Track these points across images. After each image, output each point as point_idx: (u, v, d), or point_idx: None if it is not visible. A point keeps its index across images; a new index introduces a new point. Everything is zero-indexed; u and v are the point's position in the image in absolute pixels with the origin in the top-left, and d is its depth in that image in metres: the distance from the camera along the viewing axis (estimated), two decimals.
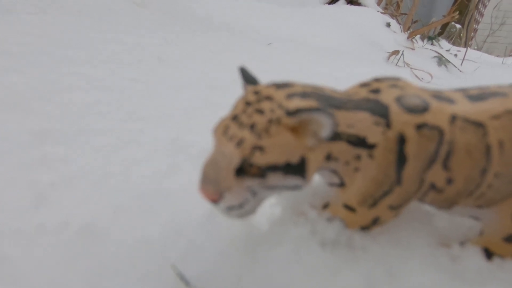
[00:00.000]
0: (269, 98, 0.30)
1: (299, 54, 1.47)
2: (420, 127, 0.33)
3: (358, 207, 0.35)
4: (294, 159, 0.29)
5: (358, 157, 0.33)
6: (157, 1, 1.69)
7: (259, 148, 0.28)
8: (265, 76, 1.03)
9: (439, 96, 0.35)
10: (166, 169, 0.44)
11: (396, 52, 2.20)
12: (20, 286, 0.28)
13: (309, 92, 0.31)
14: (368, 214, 0.35)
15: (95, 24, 1.10)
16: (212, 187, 0.29)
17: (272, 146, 0.29)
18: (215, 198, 0.29)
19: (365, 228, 0.36)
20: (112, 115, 0.59)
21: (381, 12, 3.29)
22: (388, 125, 0.32)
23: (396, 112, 0.33)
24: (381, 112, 0.33)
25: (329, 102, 0.31)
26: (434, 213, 0.43)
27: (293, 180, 0.30)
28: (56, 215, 0.35)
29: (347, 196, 0.35)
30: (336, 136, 0.32)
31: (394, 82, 0.35)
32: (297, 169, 0.30)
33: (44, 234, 0.33)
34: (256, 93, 0.31)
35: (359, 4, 3.32)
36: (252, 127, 0.29)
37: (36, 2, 1.13)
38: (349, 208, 0.35)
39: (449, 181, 0.34)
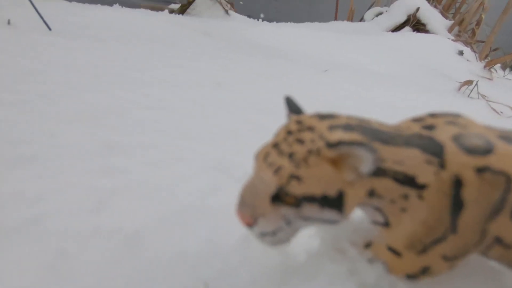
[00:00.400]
0: (310, 128, 0.30)
1: (356, 82, 1.44)
2: (481, 170, 0.29)
3: (405, 252, 0.32)
4: (332, 192, 0.28)
5: (405, 197, 0.30)
6: (221, 31, 1.83)
7: (296, 178, 0.28)
8: (319, 103, 1.03)
9: (508, 137, 0.31)
10: (210, 188, 0.46)
11: (469, 82, 2.01)
12: (71, 278, 0.31)
13: (353, 125, 0.30)
14: (417, 261, 0.31)
15: (166, 51, 1.24)
16: (248, 211, 0.29)
17: (310, 176, 0.28)
18: (250, 222, 0.29)
19: (412, 276, 0.32)
20: (168, 132, 0.64)
21: (453, 40, 3.07)
22: (442, 165, 0.29)
23: (452, 152, 0.30)
24: (435, 151, 0.30)
25: (375, 135, 0.30)
26: (503, 272, 0.37)
27: (329, 214, 0.29)
28: (111, 220, 0.38)
29: (392, 238, 0.32)
30: (381, 172, 0.30)
31: (453, 119, 0.32)
32: (334, 202, 0.29)
33: (99, 237, 0.36)
34: (299, 122, 0.31)
35: (426, 31, 3.15)
36: (291, 156, 0.29)
37: (122, 33, 1.32)
38: (394, 251, 0.32)
39: None
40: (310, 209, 0.28)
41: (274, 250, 0.35)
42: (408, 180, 0.30)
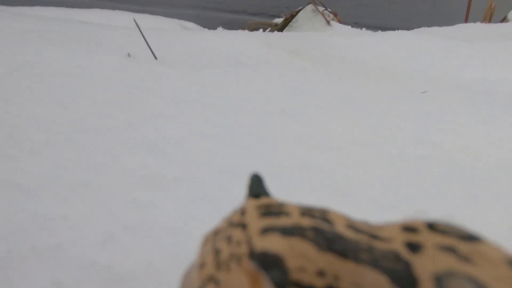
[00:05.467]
0: (244, 225, 0.26)
1: (469, 109, 1.13)
2: None
3: None
4: None
5: None
6: (310, 47, 1.79)
7: (214, 281, 0.25)
8: (401, 147, 0.87)
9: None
10: None
11: None
12: None
13: (301, 227, 0.24)
14: None
15: (252, 76, 1.30)
16: None
17: (227, 284, 0.24)
18: None
19: None
20: (216, 166, 0.67)
21: None
22: None
23: None
24: (405, 285, 0.21)
25: (329, 244, 0.23)
26: None
27: None
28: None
29: None
30: None
31: (457, 243, 0.22)
32: None
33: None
34: (242, 213, 0.27)
35: None
36: (217, 253, 0.25)
37: (215, 60, 1.46)
38: None
39: None
40: None
41: None
42: None
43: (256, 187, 0.29)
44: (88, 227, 0.47)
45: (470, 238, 0.22)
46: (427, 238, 0.23)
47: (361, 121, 1.00)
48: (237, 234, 0.25)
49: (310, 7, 3.14)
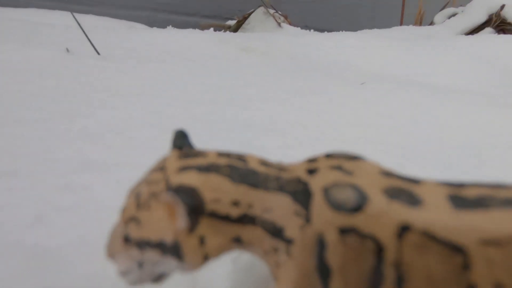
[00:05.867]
0: (163, 168, 0.27)
1: (401, 97, 1.27)
2: (345, 231, 0.22)
3: None
4: (168, 240, 0.25)
5: (276, 250, 0.25)
6: (261, 45, 1.85)
7: (135, 220, 0.26)
8: (344, 128, 0.94)
9: (397, 191, 0.23)
10: None
11: None
12: None
13: (216, 165, 0.26)
14: None
15: (199, 69, 1.31)
16: (107, 248, 0.28)
17: (147, 221, 0.26)
18: (109, 258, 0.28)
19: None
20: (160, 150, 0.66)
21: None
22: (308, 219, 0.23)
23: (319, 205, 0.23)
24: (304, 201, 0.24)
25: (243, 177, 0.26)
26: None
27: (171, 262, 0.26)
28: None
29: None
30: (248, 219, 0.25)
31: (343, 162, 0.25)
32: (172, 250, 0.25)
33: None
34: (163, 160, 0.28)
35: None
36: (137, 196, 0.27)
37: (162, 55, 1.44)
38: None
39: None
40: (152, 255, 0.26)
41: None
42: (276, 232, 0.25)
43: (180, 141, 0.31)
44: (15, 212, 0.44)
45: (354, 158, 0.26)
46: (322, 163, 0.26)
47: (305, 108, 1.06)
48: (156, 176, 0.27)
49: (261, 9, 3.23)
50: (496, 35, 2.47)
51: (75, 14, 2.34)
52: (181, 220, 0.25)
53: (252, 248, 0.26)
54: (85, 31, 1.37)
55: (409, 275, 0.21)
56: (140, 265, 0.27)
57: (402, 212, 0.22)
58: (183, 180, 0.25)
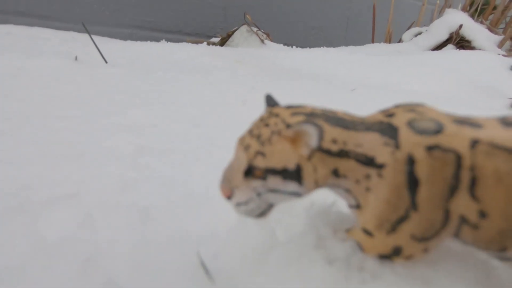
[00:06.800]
0: (276, 115, 0.35)
1: (385, 99, 1.43)
2: (431, 148, 0.32)
3: (376, 232, 0.34)
4: (291, 165, 0.33)
5: (368, 176, 0.34)
6: (252, 58, 1.97)
7: (261, 153, 0.34)
8: None
9: (462, 121, 0.33)
10: (216, 183, 0.53)
11: None
12: (94, 235, 0.39)
13: (316, 113, 0.35)
14: (387, 240, 0.34)
15: (204, 77, 1.39)
16: (226, 185, 0.35)
17: (272, 152, 0.33)
18: (228, 194, 0.35)
19: (384, 256, 0.35)
20: (193, 141, 0.73)
21: (504, 55, 2.88)
22: (397, 146, 0.33)
23: (405, 134, 0.33)
24: (391, 134, 0.33)
25: (337, 122, 0.35)
26: (496, 266, 0.36)
27: (291, 186, 0.34)
28: (129, 198, 0.47)
29: (364, 219, 0.35)
30: (344, 154, 0.34)
31: (413, 107, 0.36)
32: (294, 175, 0.33)
33: (118, 208, 0.44)
34: (269, 112, 0.37)
35: (472, 48, 3.00)
36: (258, 137, 0.34)
37: (165, 64, 1.51)
38: (367, 232, 0.35)
39: (482, 214, 0.31)
40: (274, 181, 0.33)
41: (262, 233, 0.40)
42: (368, 161, 0.33)
43: (271, 101, 0.39)
44: (104, 182, 0.49)
45: (420, 104, 0.36)
46: (396, 109, 0.36)
47: None
48: (273, 120, 0.35)
49: (245, 27, 3.39)
50: (457, 50, 2.80)
51: (57, 31, 2.35)
52: (305, 148, 0.33)
53: (345, 180, 0.34)
54: (80, 44, 1.41)
55: (481, 174, 0.30)
56: (259, 194, 0.34)
57: (471, 132, 0.32)
58: (299, 119, 0.33)
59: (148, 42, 2.35)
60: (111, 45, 1.65)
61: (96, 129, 0.71)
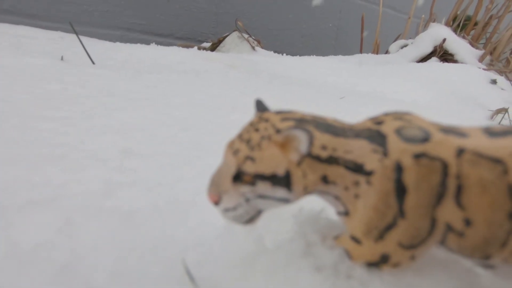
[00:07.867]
0: (266, 120, 0.35)
1: (373, 107, 1.46)
2: (418, 156, 0.32)
3: (364, 239, 0.34)
4: (280, 171, 0.33)
5: (357, 183, 0.34)
6: (244, 63, 1.98)
7: (250, 158, 0.33)
8: None
9: (448, 130, 0.34)
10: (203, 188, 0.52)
11: (502, 110, 1.93)
12: (75, 239, 0.37)
13: (306, 119, 0.35)
14: (375, 248, 0.34)
15: (193, 80, 1.38)
16: (214, 190, 0.34)
17: (261, 157, 0.33)
18: (216, 199, 0.34)
19: (372, 264, 0.35)
20: (182, 144, 0.72)
21: (484, 69, 2.99)
22: (385, 153, 0.33)
23: (393, 141, 0.33)
24: (380, 141, 0.34)
25: (327, 129, 0.35)
26: (480, 274, 0.37)
27: (280, 192, 0.33)
28: (113, 202, 0.45)
29: (352, 226, 0.35)
30: (333, 160, 0.34)
31: (401, 115, 0.36)
32: (283, 181, 0.33)
33: (100, 212, 0.43)
34: (260, 117, 0.37)
35: (455, 61, 3.11)
36: (248, 141, 0.34)
37: (155, 66, 1.49)
38: (355, 239, 0.35)
39: (467, 222, 0.31)
40: (264, 187, 0.33)
41: (251, 241, 0.39)
42: (357, 168, 0.33)
43: (261, 106, 0.39)
44: (87, 186, 0.47)
45: (407, 113, 0.37)
46: (385, 117, 0.36)
47: None
48: (263, 125, 0.35)
49: (236, 34, 3.40)
50: (440, 63, 2.90)
51: (44, 31, 2.30)
52: (295, 153, 0.32)
53: (334, 186, 0.34)
54: (68, 44, 1.38)
55: (467, 182, 0.31)
56: (247, 200, 0.34)
57: (457, 141, 0.32)
58: (289, 125, 0.33)
59: (138, 44, 2.33)
60: (99, 46, 1.62)
61: (81, 131, 0.69)
